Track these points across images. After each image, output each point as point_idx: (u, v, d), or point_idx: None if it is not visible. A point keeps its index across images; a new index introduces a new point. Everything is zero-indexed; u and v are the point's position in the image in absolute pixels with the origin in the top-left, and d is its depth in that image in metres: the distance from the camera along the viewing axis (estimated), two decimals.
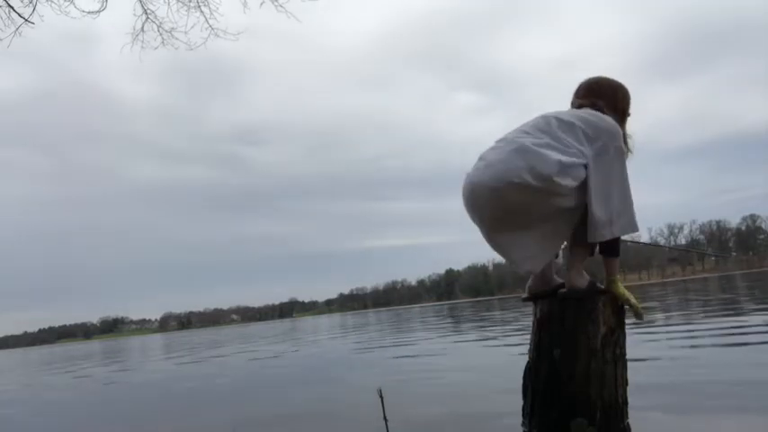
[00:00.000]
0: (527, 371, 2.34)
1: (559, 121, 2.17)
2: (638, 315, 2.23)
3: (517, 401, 2.42)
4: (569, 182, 2.04)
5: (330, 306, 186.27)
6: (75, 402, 5.53)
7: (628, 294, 2.22)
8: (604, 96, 2.31)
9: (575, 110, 2.29)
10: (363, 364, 6.22)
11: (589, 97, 2.32)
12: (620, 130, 2.19)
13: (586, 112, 2.22)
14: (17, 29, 5.00)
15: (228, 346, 14.82)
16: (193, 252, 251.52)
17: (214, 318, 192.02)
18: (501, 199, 2.07)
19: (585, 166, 2.08)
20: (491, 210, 2.11)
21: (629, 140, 2.29)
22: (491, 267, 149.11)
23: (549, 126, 2.16)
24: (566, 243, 2.35)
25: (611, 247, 2.21)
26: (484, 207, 2.13)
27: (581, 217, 2.22)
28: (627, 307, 2.25)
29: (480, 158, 2.20)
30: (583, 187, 2.09)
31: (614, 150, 2.13)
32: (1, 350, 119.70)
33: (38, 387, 7.86)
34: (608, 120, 2.20)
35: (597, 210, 2.08)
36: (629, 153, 2.27)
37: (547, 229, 2.14)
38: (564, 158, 2.04)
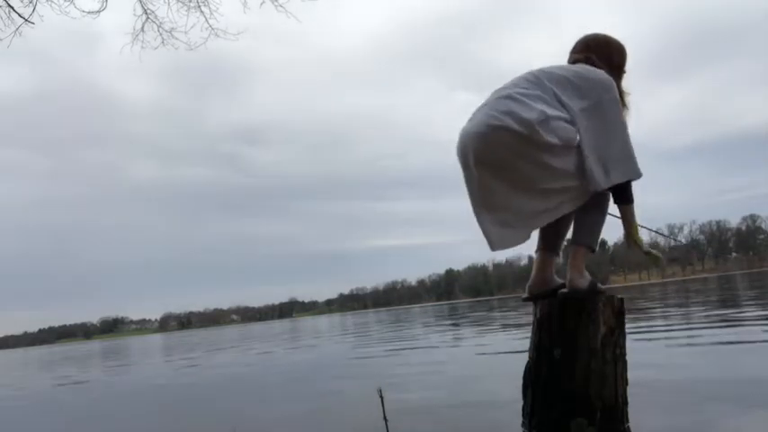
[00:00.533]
0: (527, 371, 2.34)
1: (549, 74, 2.19)
2: (657, 263, 2.22)
3: (517, 401, 2.41)
4: (553, 138, 2.03)
5: (330, 306, 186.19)
6: (61, 404, 5.53)
7: (652, 249, 2.22)
8: (598, 51, 2.33)
9: (566, 65, 2.31)
10: (362, 365, 6.22)
11: (584, 52, 2.34)
12: (613, 82, 2.20)
13: (579, 66, 2.24)
14: (17, 29, 5.00)
15: (228, 346, 14.81)
16: (193, 252, 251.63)
17: (214, 318, 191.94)
18: (485, 142, 2.08)
19: (572, 123, 2.09)
20: (476, 152, 2.11)
21: (626, 98, 2.29)
22: (491, 267, 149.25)
23: (538, 79, 2.18)
24: (566, 243, 2.34)
25: (623, 193, 2.19)
26: (469, 151, 2.14)
27: (577, 213, 2.23)
28: (647, 257, 2.25)
29: (473, 113, 2.24)
30: (575, 159, 2.10)
31: (608, 101, 2.14)
32: (1, 350, 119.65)
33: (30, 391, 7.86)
34: (600, 72, 2.21)
35: (591, 160, 2.09)
36: (626, 109, 2.27)
37: (533, 200, 2.12)
38: (548, 110, 2.06)
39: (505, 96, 2.12)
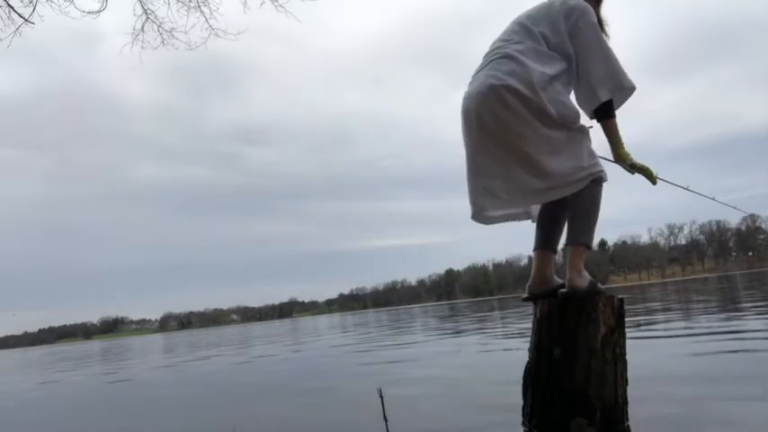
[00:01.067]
0: (527, 371, 2.34)
1: (533, 18, 2.26)
2: (652, 180, 2.22)
3: (517, 401, 2.42)
4: (552, 108, 2.10)
5: (330, 306, 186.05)
6: (61, 407, 5.53)
7: (636, 161, 2.22)
8: None
9: (544, 1, 2.35)
10: (361, 365, 6.21)
11: None
12: (590, 6, 2.25)
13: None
14: (17, 29, 5.00)
15: (228, 346, 14.81)
16: (193, 252, 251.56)
17: (214, 318, 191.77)
18: (487, 102, 2.14)
19: (568, 71, 2.18)
20: (478, 113, 2.17)
21: (605, 27, 2.33)
22: (491, 267, 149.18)
23: (525, 28, 2.24)
24: (563, 244, 2.34)
25: (603, 109, 2.21)
26: (472, 112, 2.19)
27: (570, 211, 2.24)
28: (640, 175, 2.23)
29: (473, 77, 2.30)
30: (574, 136, 2.16)
31: (585, 23, 2.19)
32: (1, 350, 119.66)
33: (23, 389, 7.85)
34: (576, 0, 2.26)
35: (579, 87, 2.20)
36: (607, 37, 2.29)
37: (528, 176, 2.16)
38: (547, 69, 2.14)
39: (504, 56, 2.18)
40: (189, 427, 3.53)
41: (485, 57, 2.30)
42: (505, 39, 2.26)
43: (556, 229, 2.40)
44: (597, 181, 2.23)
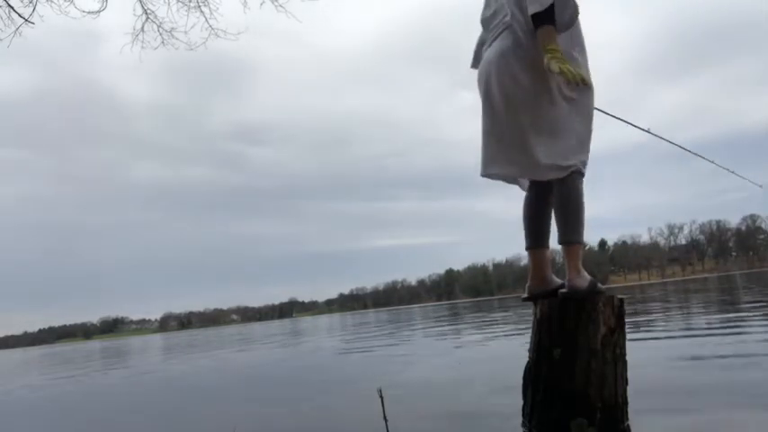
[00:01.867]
0: (527, 371, 2.34)
1: None
2: (579, 82, 2.04)
3: (517, 401, 2.42)
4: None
5: (330, 306, 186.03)
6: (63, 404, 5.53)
7: (564, 66, 2.03)
8: None
9: None
10: (361, 365, 6.22)
11: None
12: None
13: None
14: (17, 29, 5.01)
15: (228, 346, 14.81)
16: (194, 252, 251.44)
17: (214, 318, 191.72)
18: (497, 70, 2.25)
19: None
20: (486, 80, 2.29)
21: None
22: (491, 267, 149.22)
23: None
24: (561, 247, 2.33)
25: (544, 14, 2.14)
26: (482, 77, 2.33)
27: (556, 209, 2.25)
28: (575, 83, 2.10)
29: (486, 47, 2.40)
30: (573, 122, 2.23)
31: None
32: (1, 350, 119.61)
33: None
34: None
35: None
36: None
37: (522, 153, 2.23)
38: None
39: (509, 26, 2.27)
40: (189, 427, 3.54)
41: (490, 26, 2.40)
42: (503, 6, 2.33)
43: (543, 225, 2.41)
44: (577, 173, 2.26)
